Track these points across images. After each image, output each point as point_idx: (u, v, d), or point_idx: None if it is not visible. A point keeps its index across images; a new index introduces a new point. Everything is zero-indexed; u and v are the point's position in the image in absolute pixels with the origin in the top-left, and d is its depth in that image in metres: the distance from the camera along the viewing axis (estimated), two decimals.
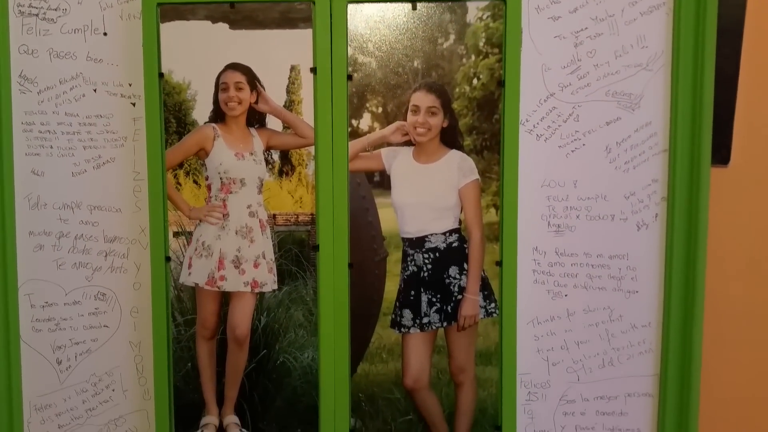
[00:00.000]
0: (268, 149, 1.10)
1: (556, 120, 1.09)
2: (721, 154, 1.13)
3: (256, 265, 1.11)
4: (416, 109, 1.07)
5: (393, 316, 1.11)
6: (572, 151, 1.10)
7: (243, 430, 1.13)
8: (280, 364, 1.13)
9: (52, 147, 1.15)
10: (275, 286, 1.12)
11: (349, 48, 1.06)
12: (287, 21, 1.07)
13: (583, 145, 1.10)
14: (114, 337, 1.17)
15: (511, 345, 1.10)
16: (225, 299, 1.12)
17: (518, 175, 1.08)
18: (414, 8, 1.06)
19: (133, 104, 1.14)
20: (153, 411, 1.16)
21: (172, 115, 1.10)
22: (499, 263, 1.09)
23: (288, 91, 1.08)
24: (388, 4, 1.05)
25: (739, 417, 1.18)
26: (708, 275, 1.08)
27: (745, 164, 1.15)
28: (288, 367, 1.13)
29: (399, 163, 1.09)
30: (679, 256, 1.09)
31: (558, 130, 1.10)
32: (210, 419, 1.14)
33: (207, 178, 1.10)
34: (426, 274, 1.10)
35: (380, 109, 1.09)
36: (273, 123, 1.09)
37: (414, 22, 1.06)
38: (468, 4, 1.05)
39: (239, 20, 1.07)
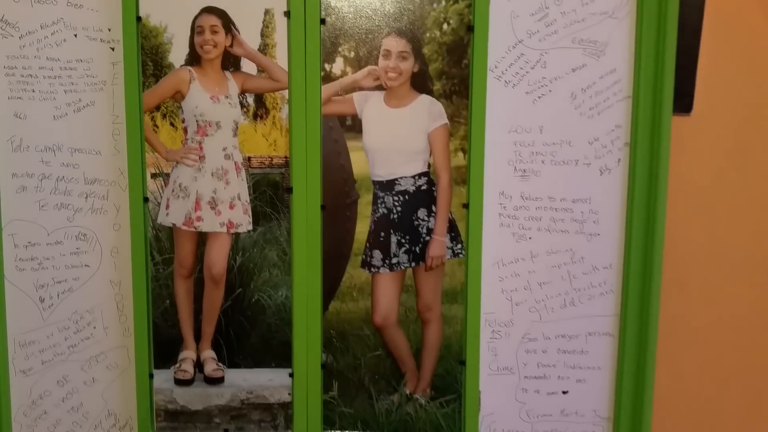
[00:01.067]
0: (242, 92, 1.13)
1: (524, 66, 1.12)
2: (684, 103, 1.17)
3: (231, 207, 1.15)
4: (387, 54, 1.10)
5: (363, 257, 1.15)
6: (539, 97, 1.13)
7: (219, 364, 1.18)
8: (255, 302, 1.17)
9: (33, 91, 1.17)
10: (250, 227, 1.16)
11: None
12: None
13: (550, 91, 1.13)
14: (95, 277, 1.21)
15: (476, 285, 1.15)
16: (202, 239, 1.16)
17: (486, 121, 1.11)
18: None
19: (112, 49, 1.16)
20: (133, 347, 1.20)
21: (149, 59, 1.12)
22: (466, 206, 1.13)
23: (262, 35, 1.11)
24: None
25: (697, 356, 1.23)
26: (668, 219, 1.12)
27: (708, 113, 1.18)
28: (263, 305, 1.17)
29: (370, 107, 1.12)
30: (640, 201, 1.13)
31: (526, 77, 1.13)
32: (188, 354, 1.18)
33: (183, 121, 1.14)
34: (395, 216, 1.14)
35: (352, 54, 1.11)
36: (248, 66, 1.12)
37: None
38: None
39: None
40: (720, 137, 1.19)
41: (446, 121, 1.12)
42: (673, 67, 1.09)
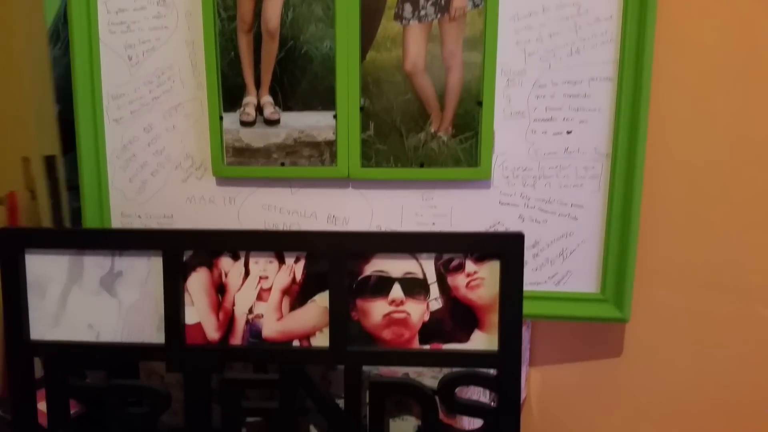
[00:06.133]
0: None
1: None
2: None
3: None
4: None
5: (396, 10, 1.34)
6: None
7: (276, 108, 1.41)
8: (304, 53, 1.38)
9: None
10: None
11: None
12: None
13: None
14: (172, 37, 1.44)
15: (492, 36, 1.32)
16: None
17: None
18: None
19: None
20: (205, 99, 1.44)
21: None
22: None
23: None
24: None
25: (688, 106, 1.39)
26: None
27: None
28: (311, 56, 1.38)
29: None
30: None
31: None
32: (250, 99, 1.42)
33: None
34: None
35: None
36: None
37: None
38: None
39: None
40: None
41: None
42: None
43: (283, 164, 1.43)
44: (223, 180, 1.49)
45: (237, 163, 1.45)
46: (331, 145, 1.41)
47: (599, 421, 1.60)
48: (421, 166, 1.39)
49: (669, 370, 1.52)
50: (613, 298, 1.40)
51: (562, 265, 1.42)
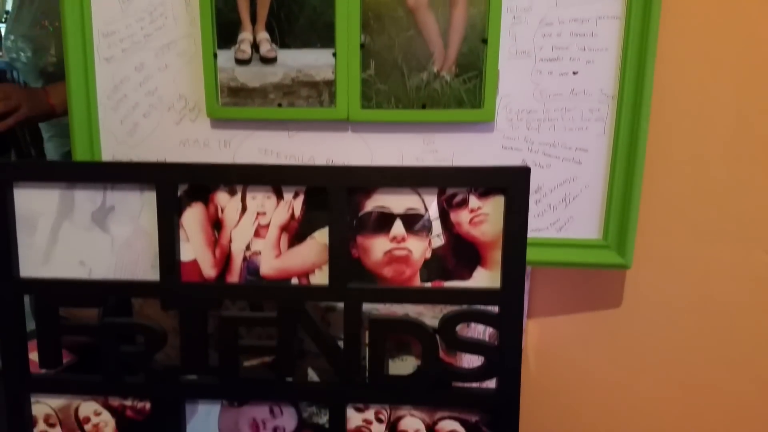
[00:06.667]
0: None
1: None
2: None
3: None
4: None
5: None
6: None
7: (273, 45, 1.36)
8: None
9: None
10: None
11: None
12: None
13: None
14: None
15: None
16: None
17: None
18: None
19: None
20: (199, 36, 1.38)
21: None
22: None
23: None
24: None
25: (697, 47, 1.35)
26: None
27: None
28: None
29: None
30: None
31: None
32: (245, 35, 1.36)
33: None
34: None
35: None
36: None
37: None
38: None
39: None
40: None
41: None
42: None
43: (280, 105, 1.39)
44: (217, 122, 1.44)
45: (232, 104, 1.40)
46: (330, 85, 1.36)
47: (598, 372, 1.59)
48: (423, 107, 1.35)
49: (669, 320, 1.51)
50: (616, 244, 1.38)
51: (565, 210, 1.40)
